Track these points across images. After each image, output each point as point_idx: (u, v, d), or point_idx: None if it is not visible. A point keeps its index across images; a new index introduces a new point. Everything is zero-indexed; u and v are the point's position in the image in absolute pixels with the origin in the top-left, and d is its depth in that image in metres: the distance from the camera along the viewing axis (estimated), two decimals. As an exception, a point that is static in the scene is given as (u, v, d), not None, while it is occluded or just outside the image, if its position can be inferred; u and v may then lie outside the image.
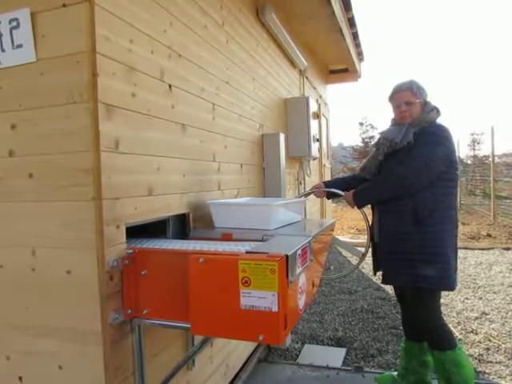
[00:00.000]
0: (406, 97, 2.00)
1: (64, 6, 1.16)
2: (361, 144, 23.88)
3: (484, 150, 21.15)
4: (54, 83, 1.18)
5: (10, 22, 1.21)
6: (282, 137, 2.74)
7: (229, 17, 2.16)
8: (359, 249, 2.73)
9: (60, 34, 1.17)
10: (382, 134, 2.12)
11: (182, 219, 1.64)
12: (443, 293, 2.43)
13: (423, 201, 1.87)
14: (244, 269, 1.00)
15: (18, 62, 1.22)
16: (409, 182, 1.87)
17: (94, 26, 1.13)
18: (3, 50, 1.24)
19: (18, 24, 1.20)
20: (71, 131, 1.17)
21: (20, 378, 1.29)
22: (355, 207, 2.10)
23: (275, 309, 0.97)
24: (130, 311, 1.23)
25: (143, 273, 1.23)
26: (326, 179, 5.01)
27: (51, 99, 1.19)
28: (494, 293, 3.90)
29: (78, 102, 1.15)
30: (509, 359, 2.52)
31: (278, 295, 0.97)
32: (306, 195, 2.43)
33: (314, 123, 3.54)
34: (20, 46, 1.21)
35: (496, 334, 2.92)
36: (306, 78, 4.28)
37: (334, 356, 2.62)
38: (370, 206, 2.16)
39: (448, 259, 1.87)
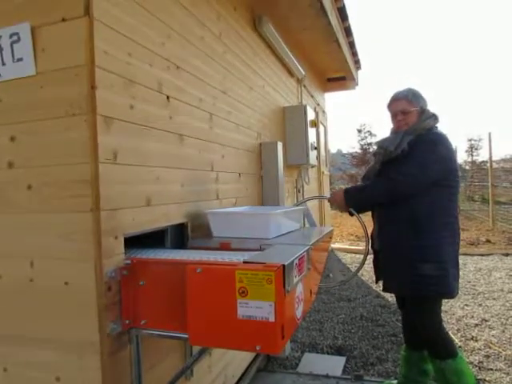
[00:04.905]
0: (402, 106, 2.02)
1: (63, 20, 1.18)
2: (359, 151, 23.95)
3: (482, 156, 21.19)
4: (54, 96, 1.20)
5: (11, 36, 1.24)
6: (279, 145, 2.75)
7: (226, 28, 2.19)
8: (358, 256, 2.72)
9: (59, 47, 1.19)
10: (378, 142, 2.14)
11: (180, 229, 1.65)
12: (443, 300, 2.43)
13: (421, 209, 1.88)
14: (241, 279, 1.00)
15: (18, 75, 1.24)
16: (401, 186, 1.89)
17: (92, 39, 1.15)
18: (4, 64, 1.26)
19: (19, 38, 1.23)
20: (70, 143, 1.18)
21: (18, 390, 1.28)
22: (348, 211, 2.09)
23: (272, 319, 0.98)
24: (128, 322, 1.23)
25: (141, 283, 1.23)
26: (325, 187, 5.02)
27: (50, 112, 1.20)
28: (494, 299, 3.89)
29: (76, 115, 1.17)
30: (509, 366, 2.51)
31: (275, 305, 0.98)
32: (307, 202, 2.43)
33: (311, 131, 3.56)
34: (20, 59, 1.23)
35: (496, 340, 2.91)
36: (304, 86, 4.32)
37: (334, 364, 2.61)
38: (370, 214, 2.17)
39: (447, 267, 1.87)
